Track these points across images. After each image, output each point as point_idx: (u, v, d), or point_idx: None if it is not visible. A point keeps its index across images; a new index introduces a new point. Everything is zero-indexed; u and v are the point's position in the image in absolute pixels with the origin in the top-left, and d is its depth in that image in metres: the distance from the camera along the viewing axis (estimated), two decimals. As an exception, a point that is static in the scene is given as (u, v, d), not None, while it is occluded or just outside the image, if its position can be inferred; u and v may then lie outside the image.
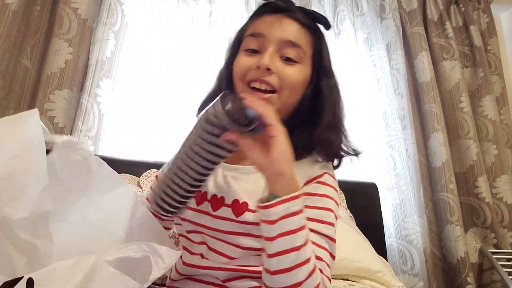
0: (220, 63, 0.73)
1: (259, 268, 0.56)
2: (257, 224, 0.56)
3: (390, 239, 1.76)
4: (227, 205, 0.61)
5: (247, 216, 0.58)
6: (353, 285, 1.03)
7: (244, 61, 0.62)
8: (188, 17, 1.65)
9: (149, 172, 1.32)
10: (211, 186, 0.64)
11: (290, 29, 0.61)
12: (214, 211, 0.61)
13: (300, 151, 0.63)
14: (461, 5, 2.15)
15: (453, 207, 1.73)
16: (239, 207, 0.59)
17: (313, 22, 0.65)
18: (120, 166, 1.34)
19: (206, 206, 0.62)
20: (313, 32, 0.65)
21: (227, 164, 0.65)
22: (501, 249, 1.78)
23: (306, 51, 0.63)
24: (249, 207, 0.59)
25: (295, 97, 0.63)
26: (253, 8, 1.68)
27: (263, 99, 0.58)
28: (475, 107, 2.03)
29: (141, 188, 1.26)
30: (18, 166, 0.44)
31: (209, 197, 0.63)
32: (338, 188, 0.65)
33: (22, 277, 0.38)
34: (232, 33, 0.72)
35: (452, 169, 1.82)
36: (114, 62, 1.49)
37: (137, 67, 1.57)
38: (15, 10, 1.31)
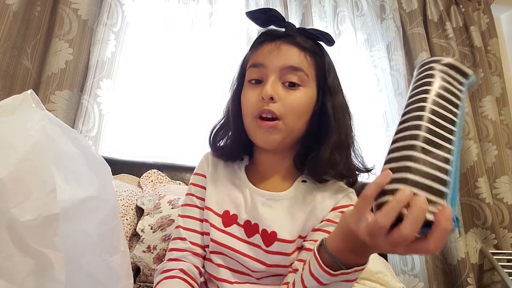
0: (226, 90, 0.73)
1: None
2: (285, 254, 0.60)
3: (391, 239, 1.76)
4: (259, 233, 0.62)
5: (276, 246, 0.60)
6: (354, 286, 1.03)
7: (249, 94, 0.63)
8: (188, 18, 1.65)
9: (149, 173, 1.32)
10: (241, 209, 0.65)
11: (289, 55, 0.61)
12: (248, 237, 0.62)
13: (314, 174, 0.64)
14: (461, 6, 2.15)
15: (453, 208, 1.73)
16: (267, 237, 0.61)
17: (314, 43, 0.65)
18: (120, 166, 1.34)
19: (238, 231, 0.63)
20: (314, 53, 0.64)
21: (254, 187, 0.66)
22: (502, 249, 1.78)
23: (308, 73, 0.62)
24: (278, 237, 0.61)
25: (302, 121, 0.62)
26: (253, 7, 1.71)
27: (270, 127, 0.59)
28: (475, 107, 2.03)
29: (142, 188, 1.26)
30: (26, 170, 0.44)
31: (241, 221, 0.64)
32: None
33: None
34: (236, 64, 0.73)
35: (453, 170, 1.81)
36: (115, 62, 1.49)
37: (137, 68, 1.57)
38: (15, 11, 1.31)
